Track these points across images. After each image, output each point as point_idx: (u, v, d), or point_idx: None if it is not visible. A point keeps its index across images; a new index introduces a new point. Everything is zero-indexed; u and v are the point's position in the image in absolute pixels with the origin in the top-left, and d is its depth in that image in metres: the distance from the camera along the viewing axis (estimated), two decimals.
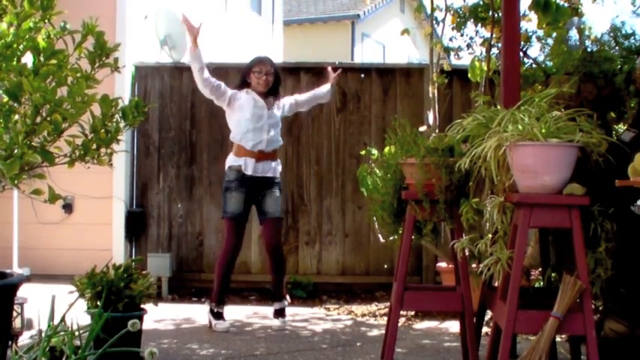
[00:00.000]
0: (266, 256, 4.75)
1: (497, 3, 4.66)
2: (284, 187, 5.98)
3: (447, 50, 5.27)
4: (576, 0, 4.71)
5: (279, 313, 4.68)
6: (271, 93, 4.69)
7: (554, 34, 4.51)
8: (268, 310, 5.21)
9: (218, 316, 4.57)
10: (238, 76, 5.98)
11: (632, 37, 3.76)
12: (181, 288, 5.91)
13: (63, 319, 2.91)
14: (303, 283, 5.83)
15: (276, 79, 4.70)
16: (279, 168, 4.70)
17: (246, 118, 4.52)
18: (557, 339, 3.58)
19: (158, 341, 4.06)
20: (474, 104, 4.59)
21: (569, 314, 2.71)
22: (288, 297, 4.81)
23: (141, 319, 3.26)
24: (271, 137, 4.57)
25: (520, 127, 2.73)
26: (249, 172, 4.49)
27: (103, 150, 2.86)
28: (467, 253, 3.29)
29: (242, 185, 4.50)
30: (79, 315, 2.97)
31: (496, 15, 4.76)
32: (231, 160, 4.57)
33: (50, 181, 2.76)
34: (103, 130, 2.82)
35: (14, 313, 3.36)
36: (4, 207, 5.45)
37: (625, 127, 3.65)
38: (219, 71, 6.08)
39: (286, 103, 4.78)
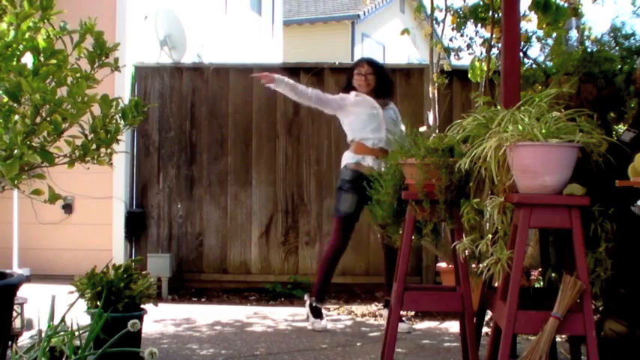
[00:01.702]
0: (382, 255, 4.69)
1: (497, 3, 4.66)
2: (284, 186, 6.01)
3: (447, 50, 5.27)
4: (575, 0, 4.71)
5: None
6: (380, 95, 4.68)
7: (554, 34, 4.51)
8: (268, 310, 5.22)
9: (317, 312, 4.57)
10: (239, 77, 6.09)
11: (632, 38, 3.76)
12: (181, 288, 5.91)
13: (63, 319, 2.91)
14: (303, 283, 5.84)
15: (382, 81, 4.68)
16: None
17: (363, 119, 4.57)
18: (557, 339, 3.57)
19: (158, 341, 4.06)
20: (474, 104, 4.59)
21: (569, 314, 2.71)
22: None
23: (141, 319, 3.26)
24: (388, 136, 4.59)
25: (520, 127, 2.73)
26: (366, 168, 4.47)
27: (102, 150, 2.86)
28: (467, 254, 3.29)
29: (357, 185, 4.42)
30: (79, 315, 2.97)
31: (496, 15, 4.76)
32: (349, 158, 4.60)
33: (50, 182, 2.76)
34: (102, 131, 2.82)
35: (14, 313, 3.36)
36: (4, 207, 5.46)
37: (625, 127, 3.65)
38: (220, 71, 6.11)
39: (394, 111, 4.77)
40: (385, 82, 4.73)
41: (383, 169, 4.40)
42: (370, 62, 4.75)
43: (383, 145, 4.56)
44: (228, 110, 6.09)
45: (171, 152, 6.08)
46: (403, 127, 4.75)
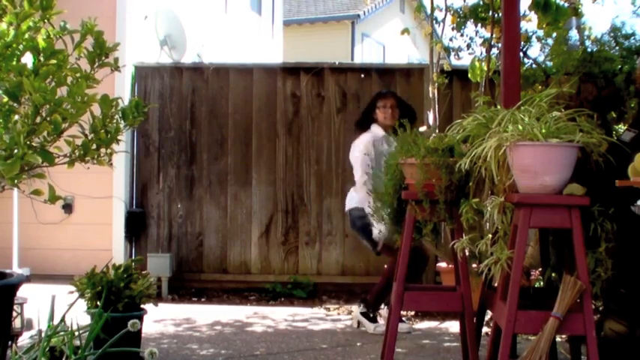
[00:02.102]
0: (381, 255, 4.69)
1: (497, 3, 4.66)
2: (284, 186, 6.00)
3: (447, 50, 5.27)
4: (575, 0, 4.71)
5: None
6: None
7: (554, 34, 4.51)
8: (268, 310, 5.22)
9: (374, 319, 4.54)
10: (239, 77, 6.09)
11: (632, 37, 3.76)
12: (181, 288, 5.91)
13: (63, 319, 2.91)
14: (303, 283, 5.84)
15: (405, 113, 4.50)
16: None
17: (379, 166, 4.41)
18: (557, 339, 3.57)
19: (158, 341, 4.06)
20: (474, 104, 4.59)
21: (569, 314, 2.71)
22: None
23: (141, 319, 3.26)
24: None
25: (520, 127, 2.73)
26: None
27: (102, 150, 2.86)
28: (467, 253, 3.29)
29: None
30: (79, 315, 2.97)
31: (496, 15, 4.76)
32: (358, 202, 4.54)
33: (50, 182, 2.76)
34: (102, 131, 2.82)
35: (14, 313, 3.36)
36: (4, 207, 5.46)
37: (625, 127, 3.65)
38: (220, 71, 6.11)
39: None
40: (407, 115, 4.47)
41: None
42: (394, 94, 4.69)
43: None
44: (228, 110, 6.09)
45: (171, 152, 6.08)
46: None
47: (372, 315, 4.55)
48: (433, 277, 5.77)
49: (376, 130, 4.59)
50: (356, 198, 4.58)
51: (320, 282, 5.92)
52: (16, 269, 5.06)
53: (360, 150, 4.55)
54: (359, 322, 4.60)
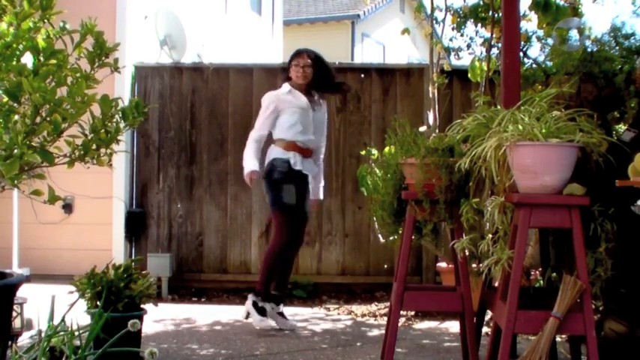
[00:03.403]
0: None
1: (497, 3, 4.66)
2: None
3: (447, 50, 5.27)
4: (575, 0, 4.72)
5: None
6: (316, 88, 4.63)
7: (555, 34, 4.51)
8: None
9: (262, 311, 4.47)
10: (239, 77, 6.09)
11: (632, 37, 3.76)
12: (181, 288, 5.91)
13: (63, 319, 2.91)
14: (303, 283, 5.83)
15: (320, 74, 4.59)
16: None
17: (292, 120, 4.50)
18: (557, 339, 3.57)
19: (158, 341, 4.06)
20: (474, 104, 4.59)
21: (569, 314, 2.71)
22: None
23: (141, 319, 3.26)
24: (316, 138, 4.59)
25: (520, 127, 2.73)
26: (297, 167, 4.48)
27: (102, 150, 2.86)
28: (467, 253, 3.29)
29: (291, 179, 4.48)
30: (79, 315, 2.97)
31: (496, 15, 4.76)
32: (279, 154, 4.51)
33: (50, 182, 2.76)
34: (102, 131, 2.82)
35: (14, 313, 3.36)
36: (4, 207, 5.46)
37: (625, 127, 3.65)
38: (220, 71, 6.11)
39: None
40: (323, 76, 4.63)
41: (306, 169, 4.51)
42: (310, 54, 4.66)
43: (310, 146, 4.55)
44: (228, 110, 6.08)
45: (171, 152, 6.08)
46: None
47: (260, 305, 4.46)
48: (433, 277, 5.77)
49: (284, 88, 4.59)
50: (275, 152, 4.55)
51: (320, 282, 5.91)
52: (16, 269, 5.06)
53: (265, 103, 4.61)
54: (248, 313, 4.48)
